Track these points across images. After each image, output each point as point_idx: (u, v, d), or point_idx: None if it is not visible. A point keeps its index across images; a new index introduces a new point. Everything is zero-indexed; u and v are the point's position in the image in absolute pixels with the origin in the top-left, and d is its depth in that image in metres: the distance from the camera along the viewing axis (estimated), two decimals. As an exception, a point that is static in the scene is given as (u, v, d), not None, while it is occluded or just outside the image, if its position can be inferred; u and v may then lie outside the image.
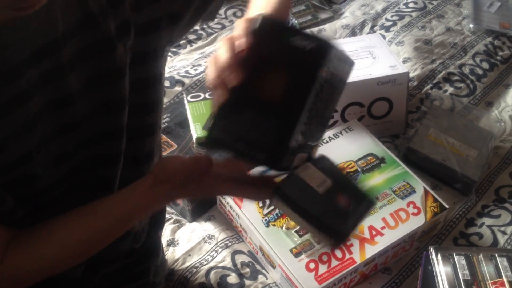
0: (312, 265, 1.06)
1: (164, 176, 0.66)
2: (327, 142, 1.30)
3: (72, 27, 0.65)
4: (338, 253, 1.07)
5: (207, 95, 1.42)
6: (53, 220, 0.70)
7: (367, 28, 1.82)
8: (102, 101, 0.70)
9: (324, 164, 0.69)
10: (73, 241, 0.70)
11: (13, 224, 0.69)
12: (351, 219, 0.66)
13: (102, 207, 0.70)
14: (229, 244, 1.20)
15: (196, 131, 1.29)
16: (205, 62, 1.67)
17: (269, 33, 0.58)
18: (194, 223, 1.25)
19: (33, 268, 0.69)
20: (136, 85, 0.73)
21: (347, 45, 1.47)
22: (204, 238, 1.21)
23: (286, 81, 0.56)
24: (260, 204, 1.15)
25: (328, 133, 1.31)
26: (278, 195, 0.64)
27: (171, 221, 1.26)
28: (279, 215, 1.13)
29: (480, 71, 1.67)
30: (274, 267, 1.11)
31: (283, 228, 1.11)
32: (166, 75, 1.58)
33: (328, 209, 0.65)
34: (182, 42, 1.80)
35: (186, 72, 1.60)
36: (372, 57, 1.43)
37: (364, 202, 0.69)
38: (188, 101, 1.40)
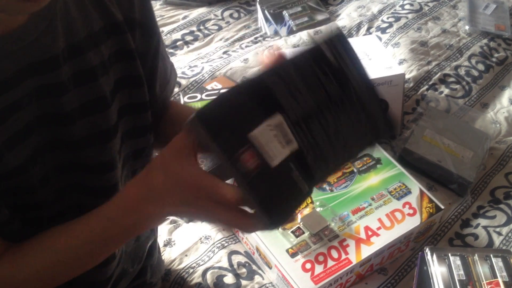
0: (308, 266, 1.06)
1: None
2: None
3: (76, 45, 0.65)
4: (334, 254, 1.08)
5: (203, 96, 1.42)
6: (47, 233, 0.68)
7: (363, 30, 1.83)
8: (96, 127, 0.70)
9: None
10: (68, 258, 0.68)
11: (10, 235, 0.68)
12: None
13: (99, 226, 0.67)
14: (226, 244, 1.20)
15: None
16: (201, 63, 1.67)
17: None
18: (191, 224, 1.25)
19: (26, 279, 0.68)
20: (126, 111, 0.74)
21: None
22: (200, 239, 1.21)
23: None
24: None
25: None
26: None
27: (168, 221, 1.26)
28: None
29: (475, 73, 1.68)
30: (270, 268, 1.11)
31: (279, 229, 1.11)
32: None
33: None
34: (178, 43, 1.80)
35: (183, 73, 1.60)
36: (368, 58, 1.43)
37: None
38: (185, 102, 1.40)
